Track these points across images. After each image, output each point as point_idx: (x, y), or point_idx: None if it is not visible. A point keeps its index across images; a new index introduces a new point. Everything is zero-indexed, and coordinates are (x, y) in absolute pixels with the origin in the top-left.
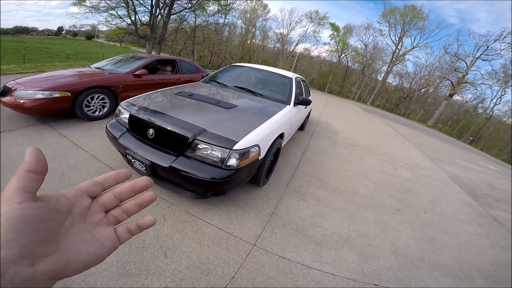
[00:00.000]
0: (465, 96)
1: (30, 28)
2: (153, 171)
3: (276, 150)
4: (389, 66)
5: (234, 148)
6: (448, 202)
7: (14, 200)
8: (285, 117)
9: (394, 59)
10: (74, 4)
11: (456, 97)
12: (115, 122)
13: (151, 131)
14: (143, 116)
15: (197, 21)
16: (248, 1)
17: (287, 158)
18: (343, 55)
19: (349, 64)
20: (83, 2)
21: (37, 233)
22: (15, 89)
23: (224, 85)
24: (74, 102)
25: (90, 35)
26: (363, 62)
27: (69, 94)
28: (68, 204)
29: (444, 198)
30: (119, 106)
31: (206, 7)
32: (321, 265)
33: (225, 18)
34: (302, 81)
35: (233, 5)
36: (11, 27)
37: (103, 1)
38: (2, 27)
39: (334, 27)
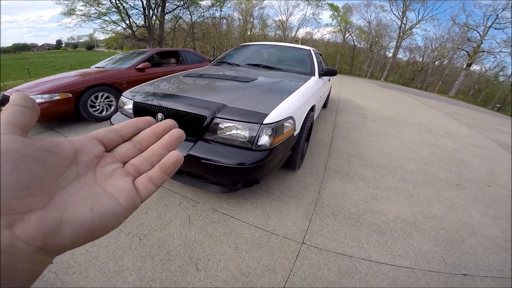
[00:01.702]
0: (484, 66)
1: (29, 45)
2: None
3: (310, 125)
4: (397, 42)
5: (265, 122)
6: (508, 173)
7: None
8: (314, 88)
9: (401, 33)
10: (65, 14)
11: (475, 67)
12: (119, 114)
13: (159, 116)
14: (149, 101)
15: (193, 17)
16: None
17: (317, 136)
18: (348, 34)
19: (355, 43)
20: (73, 12)
21: (18, 175)
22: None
23: (236, 64)
24: (77, 104)
25: (90, 45)
26: (369, 40)
27: (70, 95)
28: (72, 149)
29: (502, 168)
30: (121, 97)
31: (199, 2)
32: (393, 259)
33: (221, 11)
34: (320, 54)
35: None
36: (11, 45)
37: (93, 8)
38: (2, 46)
39: (333, 7)
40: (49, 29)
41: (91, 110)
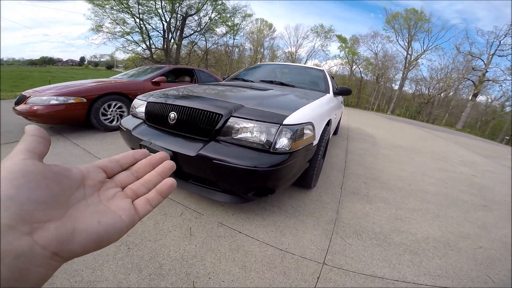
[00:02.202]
0: (490, 96)
1: (55, 59)
2: (176, 166)
3: (326, 142)
4: (403, 73)
5: (285, 122)
6: None
7: (18, 156)
8: (330, 103)
9: (407, 64)
10: (93, 30)
11: (481, 97)
12: (130, 117)
13: (172, 115)
14: (164, 100)
15: (207, 44)
16: (254, 22)
17: (330, 160)
18: (355, 66)
19: (362, 75)
20: (100, 28)
21: (40, 192)
22: (30, 96)
23: (250, 81)
24: (90, 110)
25: (110, 65)
26: (376, 71)
27: (85, 100)
28: (80, 174)
29: None
30: (134, 100)
31: (215, 29)
32: (432, 279)
33: (234, 39)
34: (332, 77)
35: (240, 25)
36: (38, 58)
37: (119, 26)
38: (30, 58)
39: (341, 38)
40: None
41: (102, 118)
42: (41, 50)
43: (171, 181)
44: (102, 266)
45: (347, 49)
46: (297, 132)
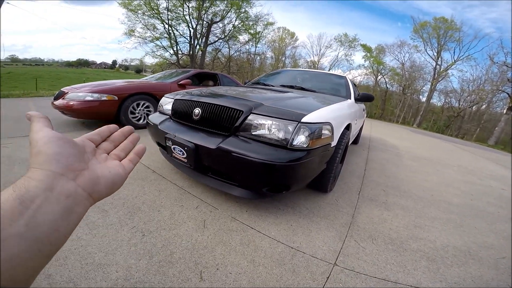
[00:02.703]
0: None
1: (90, 61)
2: (196, 158)
3: (345, 146)
4: (432, 84)
5: (303, 120)
6: None
7: (44, 129)
8: (350, 108)
9: (436, 75)
10: (126, 34)
11: None
12: (158, 113)
13: (197, 110)
14: (189, 97)
15: (230, 51)
16: (275, 30)
17: (350, 167)
18: (380, 76)
19: (387, 86)
20: (133, 33)
21: (73, 150)
22: (68, 92)
23: (270, 85)
24: (120, 108)
25: (139, 69)
26: (402, 82)
27: (116, 98)
28: (81, 143)
29: None
30: (163, 98)
31: (238, 36)
32: (448, 286)
33: (256, 47)
34: (354, 84)
35: (262, 34)
36: (75, 60)
37: (149, 32)
38: (68, 60)
39: (366, 48)
40: (109, 49)
41: (130, 116)
42: (77, 52)
43: (142, 145)
44: (115, 250)
45: (372, 59)
46: (315, 131)
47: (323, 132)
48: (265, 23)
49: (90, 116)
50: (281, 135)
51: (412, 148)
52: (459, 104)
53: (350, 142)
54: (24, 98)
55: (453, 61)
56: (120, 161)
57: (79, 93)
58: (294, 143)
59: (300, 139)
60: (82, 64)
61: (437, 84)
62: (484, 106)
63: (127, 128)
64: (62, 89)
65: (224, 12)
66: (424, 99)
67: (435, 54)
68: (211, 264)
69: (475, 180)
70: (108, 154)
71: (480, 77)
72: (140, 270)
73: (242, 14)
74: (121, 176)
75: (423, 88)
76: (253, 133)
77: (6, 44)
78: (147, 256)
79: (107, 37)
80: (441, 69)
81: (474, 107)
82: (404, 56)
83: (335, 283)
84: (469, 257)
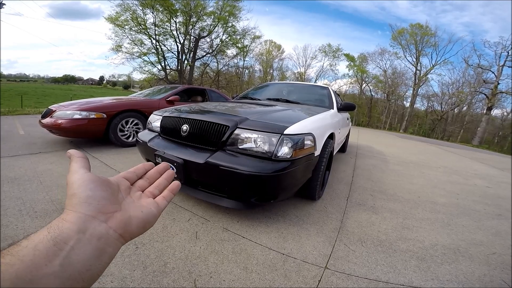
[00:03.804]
0: (506, 109)
1: (76, 77)
2: (186, 173)
3: (329, 154)
4: (414, 89)
5: (285, 132)
6: None
7: (80, 171)
8: (333, 118)
9: (417, 80)
10: (113, 50)
11: (496, 111)
12: (146, 131)
13: (184, 127)
14: (177, 114)
15: (219, 66)
16: (263, 43)
17: (338, 175)
18: (364, 84)
19: (372, 94)
20: (120, 49)
21: (106, 191)
22: (55, 110)
23: (257, 99)
24: (109, 125)
25: (127, 85)
26: (386, 89)
27: (105, 116)
28: (116, 182)
29: None
30: (151, 115)
31: (226, 50)
32: (441, 284)
33: (244, 60)
34: (337, 94)
35: (249, 47)
36: (61, 76)
37: (136, 47)
38: (54, 75)
39: (349, 57)
40: (96, 65)
41: (119, 134)
42: (64, 67)
43: (177, 182)
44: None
45: (355, 68)
46: (298, 142)
47: (305, 142)
48: (252, 36)
49: (79, 134)
50: (266, 147)
51: (398, 153)
52: (441, 107)
53: (336, 151)
54: (9, 116)
55: (431, 65)
56: (154, 198)
57: (67, 111)
58: (278, 154)
59: (284, 150)
60: (69, 80)
61: (419, 89)
62: (465, 108)
63: (163, 165)
64: (49, 107)
65: (211, 26)
66: (408, 105)
67: (414, 60)
68: (204, 272)
69: (460, 180)
70: (143, 192)
71: (458, 80)
72: (135, 280)
73: (229, 29)
74: (154, 215)
75: (406, 93)
76: (239, 146)
77: None
78: (141, 266)
79: (94, 53)
80: (421, 74)
81: (455, 109)
82: (385, 64)
83: (327, 285)
84: (459, 255)
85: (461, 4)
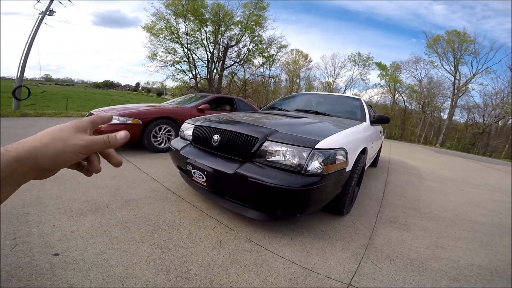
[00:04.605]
0: None
1: (115, 83)
2: (215, 182)
3: (361, 170)
4: (452, 100)
5: (317, 146)
6: None
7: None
8: (366, 131)
9: (456, 90)
10: (148, 58)
11: None
12: (179, 139)
13: (215, 137)
14: (209, 124)
15: (246, 75)
16: (289, 53)
17: (368, 191)
18: (397, 94)
19: (406, 104)
20: (155, 57)
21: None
22: (96, 114)
23: (285, 110)
24: (143, 131)
25: (160, 92)
26: (421, 99)
27: (140, 122)
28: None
29: None
30: (184, 123)
31: (252, 59)
32: None
33: (270, 70)
34: (370, 105)
35: (275, 56)
36: (102, 81)
37: (170, 56)
38: (95, 81)
39: (380, 66)
40: (133, 72)
41: (152, 139)
42: (105, 74)
43: (125, 132)
44: (135, 265)
45: (387, 77)
46: (329, 157)
47: (337, 157)
48: (279, 46)
49: None
50: (295, 161)
51: (434, 169)
52: (483, 120)
53: (367, 166)
54: (55, 117)
55: (472, 74)
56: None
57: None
58: (308, 169)
59: (314, 165)
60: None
61: (458, 100)
62: (510, 121)
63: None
64: (91, 111)
65: (239, 36)
66: (445, 117)
67: (452, 68)
68: (225, 282)
69: (504, 198)
70: None
71: (503, 90)
72: (157, 284)
73: (256, 38)
74: (72, 150)
75: (444, 104)
76: (268, 159)
77: (42, 64)
78: (165, 271)
79: (132, 60)
80: (460, 84)
81: (500, 122)
82: (420, 73)
83: None
84: (496, 275)
85: (504, 9)
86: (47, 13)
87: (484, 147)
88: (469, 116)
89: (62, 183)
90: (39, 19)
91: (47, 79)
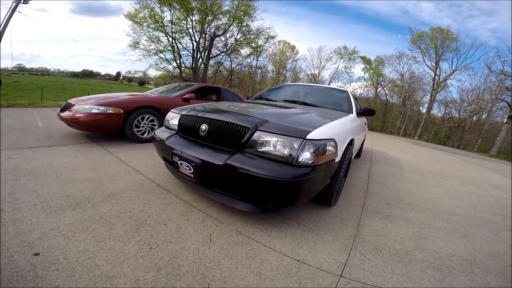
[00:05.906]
0: None
1: (94, 72)
2: (203, 174)
3: (348, 161)
4: (431, 95)
5: (308, 137)
6: None
7: None
8: (353, 123)
9: (435, 86)
10: (130, 46)
11: None
12: (163, 128)
13: (203, 126)
14: (196, 113)
15: (232, 65)
16: (276, 44)
17: (352, 181)
18: (380, 88)
19: (387, 98)
20: (137, 45)
21: None
22: (74, 104)
23: (274, 100)
24: (125, 121)
25: (142, 81)
26: (402, 93)
27: (122, 111)
28: None
29: None
30: (169, 113)
31: (239, 50)
32: None
33: (257, 60)
34: (355, 98)
35: (263, 47)
36: (80, 70)
37: (153, 44)
38: (73, 70)
39: (365, 60)
40: (114, 61)
41: (135, 129)
42: (84, 63)
43: None
44: (123, 263)
45: (371, 71)
46: (320, 147)
47: (327, 148)
48: (266, 36)
49: (96, 128)
50: (286, 151)
51: (413, 161)
52: (459, 115)
53: (353, 156)
54: (29, 108)
55: (451, 71)
56: None
57: (86, 105)
58: (299, 160)
59: (305, 156)
60: (87, 75)
61: (437, 95)
62: (484, 116)
63: None
64: (68, 101)
65: (226, 25)
66: (424, 110)
67: (433, 64)
68: (218, 277)
69: (478, 191)
70: None
71: (479, 87)
72: (148, 283)
73: (244, 28)
74: None
75: (423, 99)
76: (259, 149)
77: (15, 53)
78: (155, 268)
79: (113, 49)
80: (440, 79)
81: (474, 117)
82: (403, 68)
83: None
84: (475, 266)
85: (489, 10)
86: (21, 1)
87: (459, 141)
88: (446, 111)
89: (38, 177)
90: (12, 7)
91: (20, 69)
